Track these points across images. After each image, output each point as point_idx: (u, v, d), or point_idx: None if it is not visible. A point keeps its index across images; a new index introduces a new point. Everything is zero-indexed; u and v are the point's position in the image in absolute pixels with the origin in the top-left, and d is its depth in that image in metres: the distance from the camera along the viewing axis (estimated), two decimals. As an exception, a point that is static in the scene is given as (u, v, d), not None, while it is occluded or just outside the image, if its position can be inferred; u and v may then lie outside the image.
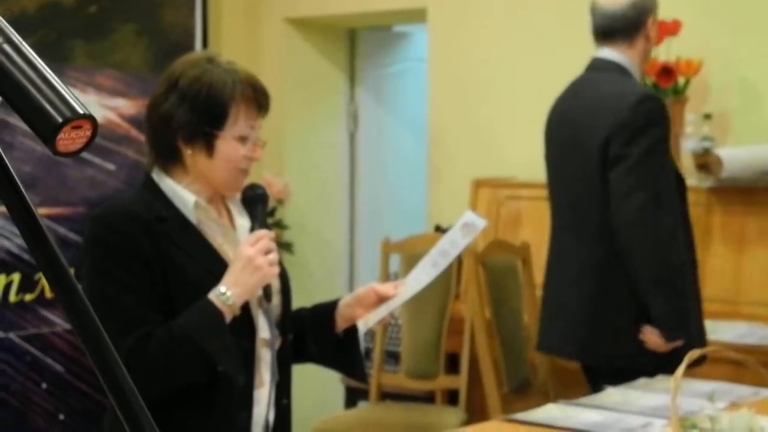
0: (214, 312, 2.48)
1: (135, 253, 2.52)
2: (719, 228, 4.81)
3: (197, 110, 2.59)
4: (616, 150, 3.85)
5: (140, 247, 2.52)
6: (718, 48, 4.98)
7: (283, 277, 2.77)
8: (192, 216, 2.62)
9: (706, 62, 4.88)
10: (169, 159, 2.65)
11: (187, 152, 2.62)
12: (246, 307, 2.58)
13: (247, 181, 2.78)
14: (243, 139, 2.61)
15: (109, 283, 2.45)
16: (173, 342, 2.46)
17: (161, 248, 2.54)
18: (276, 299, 2.70)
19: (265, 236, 2.58)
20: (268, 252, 2.55)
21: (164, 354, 2.43)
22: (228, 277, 2.52)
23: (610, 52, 4.05)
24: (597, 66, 4.12)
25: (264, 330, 2.65)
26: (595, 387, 3.78)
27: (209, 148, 2.60)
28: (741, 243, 4.47)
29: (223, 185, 2.67)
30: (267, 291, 2.61)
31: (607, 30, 4.04)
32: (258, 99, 2.64)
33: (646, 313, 3.84)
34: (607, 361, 3.98)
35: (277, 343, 2.68)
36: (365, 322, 2.75)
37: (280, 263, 2.72)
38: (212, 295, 2.50)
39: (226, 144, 2.60)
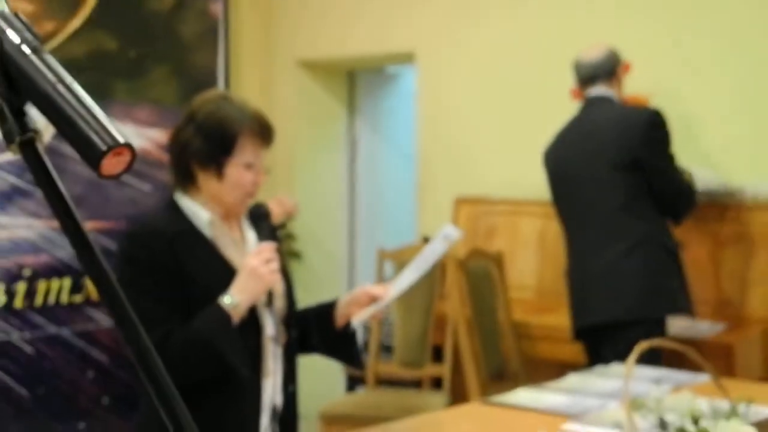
0: (223, 316, 2.49)
1: (158, 264, 2.53)
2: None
3: (210, 140, 2.59)
4: (645, 154, 4.31)
5: (162, 260, 2.53)
6: (662, 86, 5.00)
7: (287, 281, 2.76)
8: (207, 231, 2.62)
9: (653, 98, 4.89)
10: (187, 181, 2.66)
11: (201, 176, 2.63)
12: (253, 309, 2.58)
13: (262, 199, 2.78)
14: (249, 166, 2.61)
15: (135, 290, 2.45)
16: (188, 342, 2.46)
17: (180, 260, 2.54)
18: (281, 301, 2.69)
19: (267, 248, 2.57)
20: (269, 262, 2.55)
21: (180, 352, 2.44)
22: (235, 285, 2.52)
23: (599, 89, 4.47)
24: (595, 101, 4.49)
25: (270, 328, 2.64)
26: (618, 347, 3.90)
27: (219, 173, 2.60)
28: (684, 250, 4.49)
29: (230, 206, 2.66)
30: (270, 295, 2.61)
31: (592, 76, 4.48)
32: (263, 132, 2.64)
33: (679, 271, 4.36)
34: (662, 311, 4.32)
35: (282, 339, 2.68)
36: (358, 319, 2.75)
37: (285, 269, 2.72)
38: (221, 301, 2.50)
39: (234, 170, 2.60)
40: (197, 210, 2.63)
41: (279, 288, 2.67)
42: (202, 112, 2.62)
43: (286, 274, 2.74)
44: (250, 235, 2.73)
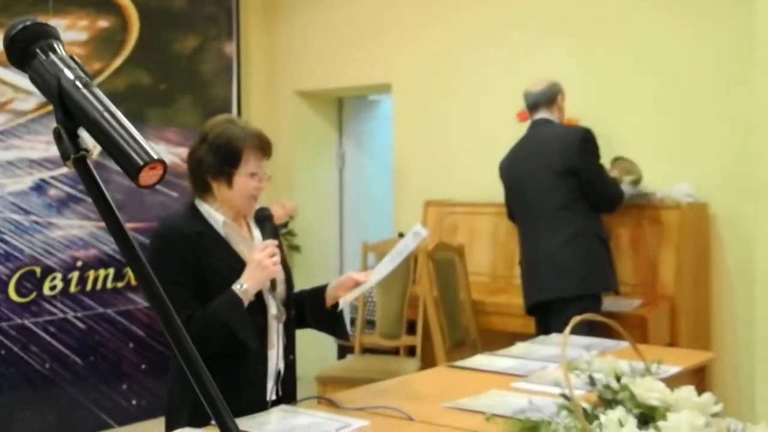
0: (235, 299, 2.47)
1: (182, 258, 2.49)
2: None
3: (220, 156, 2.56)
4: (580, 164, 4.33)
5: (185, 254, 2.50)
6: (589, 112, 5.02)
7: (287, 271, 2.72)
8: (222, 231, 2.59)
9: (582, 120, 4.91)
10: (203, 190, 2.63)
11: (215, 185, 2.60)
12: (260, 294, 2.56)
13: (267, 203, 2.76)
14: (253, 175, 2.58)
15: (163, 279, 2.42)
16: (208, 321, 2.44)
17: (200, 254, 2.51)
18: (281, 287, 2.66)
19: (270, 245, 2.54)
20: (272, 256, 2.52)
21: (202, 329, 2.41)
22: (245, 275, 2.50)
23: (542, 114, 4.53)
24: (539, 123, 4.54)
25: (273, 308, 2.62)
26: (559, 317, 3.90)
27: (229, 182, 2.57)
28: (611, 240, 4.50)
29: (240, 208, 2.63)
30: (273, 282, 2.58)
31: (536, 103, 4.54)
32: (263, 146, 2.60)
33: (609, 257, 4.42)
34: (598, 288, 4.36)
35: (283, 317, 2.66)
36: (344, 300, 2.73)
37: (285, 261, 2.69)
38: (234, 287, 2.47)
39: (241, 179, 2.57)
40: (213, 213, 2.61)
41: (280, 277, 2.65)
42: (212, 134, 2.60)
43: (285, 265, 2.72)
44: (257, 233, 2.71)
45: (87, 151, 1.01)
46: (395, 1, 6.18)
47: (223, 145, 2.57)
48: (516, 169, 4.56)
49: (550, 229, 4.37)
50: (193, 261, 2.50)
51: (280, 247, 2.62)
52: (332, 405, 2.56)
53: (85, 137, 1.02)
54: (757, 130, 3.94)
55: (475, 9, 5.76)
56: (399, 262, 2.68)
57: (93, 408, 5.59)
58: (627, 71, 5.11)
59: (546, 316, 4.36)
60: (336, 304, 2.75)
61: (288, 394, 2.68)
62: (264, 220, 2.70)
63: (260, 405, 2.55)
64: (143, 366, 5.78)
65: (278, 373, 2.64)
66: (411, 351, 5.24)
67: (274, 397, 2.62)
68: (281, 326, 2.65)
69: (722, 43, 4.77)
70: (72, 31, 5.57)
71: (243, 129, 2.60)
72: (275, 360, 2.63)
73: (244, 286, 2.49)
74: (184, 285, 2.48)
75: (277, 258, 2.54)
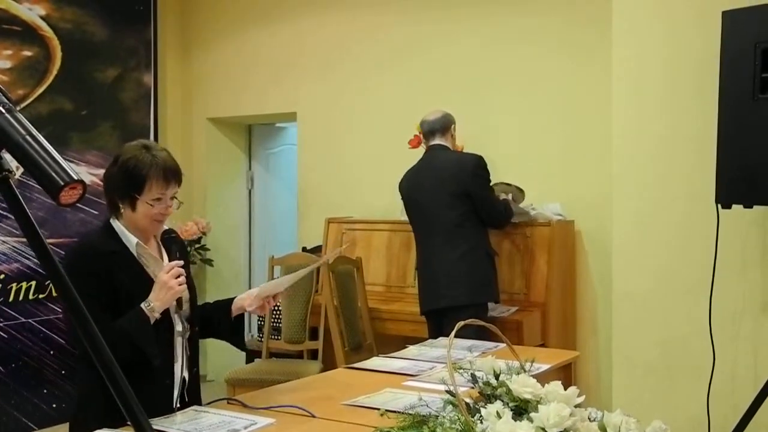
0: (143, 317, 2.39)
1: (93, 274, 2.40)
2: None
3: (126, 180, 2.48)
4: (473, 187, 4.38)
5: (98, 271, 2.41)
6: (470, 139, 5.10)
7: (192, 290, 2.65)
8: (134, 250, 2.51)
9: (467, 147, 4.99)
10: (115, 210, 2.54)
11: (121, 206, 2.51)
12: (166, 311, 2.49)
13: (184, 220, 2.70)
14: (157, 200, 2.49)
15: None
16: (115, 335, 2.34)
17: (112, 272, 2.43)
18: (186, 306, 2.60)
19: (175, 265, 2.47)
20: (178, 276, 2.46)
21: (109, 344, 2.34)
22: (152, 294, 2.43)
23: (439, 140, 4.53)
24: (435, 148, 4.55)
25: (179, 325, 2.56)
26: (451, 322, 3.89)
27: (132, 206, 2.49)
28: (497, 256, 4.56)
29: (144, 230, 2.55)
30: (179, 301, 2.52)
31: (432, 130, 4.55)
32: (166, 176, 2.50)
33: (495, 271, 4.48)
34: (485, 299, 4.40)
35: (188, 333, 2.60)
36: (250, 304, 2.72)
37: (190, 280, 2.62)
38: (142, 305, 2.41)
39: (143, 205, 2.48)
40: (127, 234, 2.51)
41: (186, 296, 2.58)
42: (124, 157, 2.50)
43: (191, 284, 2.66)
44: (166, 254, 2.64)
45: (10, 171, 0.99)
46: (300, 38, 6.19)
47: (130, 170, 2.48)
48: (415, 189, 4.57)
49: (446, 244, 4.39)
50: (104, 277, 2.41)
51: (186, 267, 2.55)
52: (241, 405, 2.52)
53: (9, 159, 0.99)
54: (615, 159, 4.07)
55: (373, 48, 5.81)
56: (292, 282, 2.68)
57: (14, 412, 5.38)
58: (510, 107, 5.22)
59: (439, 322, 4.38)
60: (239, 315, 2.72)
61: (193, 402, 2.62)
62: (171, 242, 2.62)
63: (167, 413, 2.49)
64: (63, 372, 5.60)
65: (183, 383, 2.58)
66: (313, 354, 5.22)
67: (179, 405, 2.55)
68: (186, 342, 2.59)
69: (588, 87, 4.93)
70: (-3, 60, 5.39)
71: (153, 157, 2.49)
72: (179, 371, 2.57)
73: (152, 305, 2.41)
74: (95, 299, 2.39)
75: (183, 278, 2.47)
